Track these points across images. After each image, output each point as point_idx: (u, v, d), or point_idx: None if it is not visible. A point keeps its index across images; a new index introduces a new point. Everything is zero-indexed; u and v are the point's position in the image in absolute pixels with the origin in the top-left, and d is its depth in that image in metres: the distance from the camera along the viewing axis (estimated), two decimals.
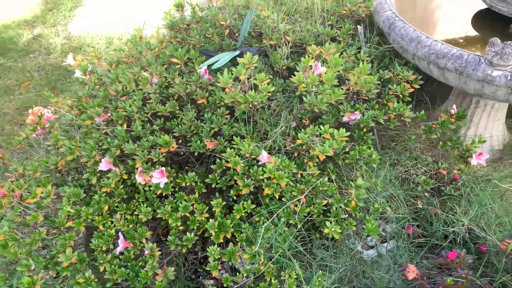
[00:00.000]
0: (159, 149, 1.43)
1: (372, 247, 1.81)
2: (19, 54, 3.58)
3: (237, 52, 1.59)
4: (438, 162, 1.86)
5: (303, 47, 1.68)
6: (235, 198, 1.50)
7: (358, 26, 1.84)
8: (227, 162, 1.44)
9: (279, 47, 1.67)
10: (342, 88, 1.30)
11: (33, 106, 2.57)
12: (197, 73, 1.67)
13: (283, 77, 1.66)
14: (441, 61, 1.54)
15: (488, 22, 1.94)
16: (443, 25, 1.97)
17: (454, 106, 1.57)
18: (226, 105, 1.55)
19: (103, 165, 1.43)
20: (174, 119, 1.57)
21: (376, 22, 1.85)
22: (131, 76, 1.65)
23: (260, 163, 1.36)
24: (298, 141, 1.35)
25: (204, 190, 1.54)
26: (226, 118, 1.55)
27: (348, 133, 1.34)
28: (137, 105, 1.56)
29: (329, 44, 1.68)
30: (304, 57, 1.63)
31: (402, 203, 1.71)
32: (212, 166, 1.50)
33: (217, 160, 1.49)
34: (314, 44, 1.63)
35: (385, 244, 1.72)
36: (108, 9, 4.11)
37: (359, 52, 1.77)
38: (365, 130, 1.56)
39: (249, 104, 1.30)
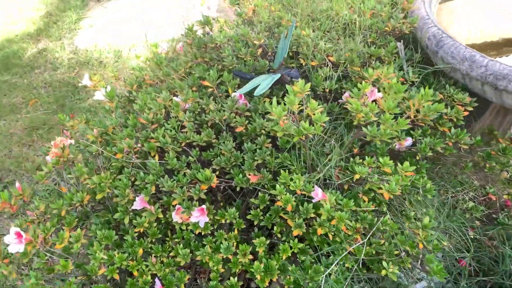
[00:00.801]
0: (199, 185, 1.30)
1: (420, 280, 1.68)
2: (24, 70, 3.43)
3: (278, 76, 1.46)
4: (485, 187, 1.74)
5: (346, 67, 1.56)
6: (279, 235, 1.37)
7: (398, 43, 1.72)
8: (270, 195, 1.32)
9: (320, 68, 1.55)
10: (405, 118, 1.18)
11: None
12: (231, 97, 1.54)
13: (327, 100, 1.53)
14: (501, 83, 1.42)
15: None
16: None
17: None
18: (268, 133, 1.43)
19: (138, 204, 1.29)
20: (211, 149, 1.44)
21: (419, 39, 1.73)
22: (162, 102, 1.52)
23: (314, 200, 1.23)
24: (356, 176, 1.22)
25: (243, 226, 1.41)
26: (268, 148, 1.42)
27: (414, 167, 1.21)
28: (170, 135, 1.43)
29: (374, 63, 1.57)
30: (350, 79, 1.52)
31: (456, 233, 1.58)
32: (254, 201, 1.37)
33: (260, 194, 1.36)
34: (360, 64, 1.51)
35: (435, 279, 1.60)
36: (113, 19, 3.98)
37: (401, 70, 1.66)
38: (418, 158, 1.44)
39: (302, 136, 1.17)
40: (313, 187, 1.24)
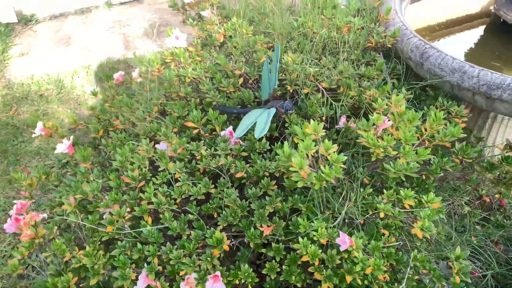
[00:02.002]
0: (211, 250, 1.14)
1: None
2: None
3: (273, 111, 1.34)
4: (477, 189, 1.75)
5: (336, 91, 1.47)
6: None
7: (378, 58, 1.66)
8: (286, 243, 1.20)
9: (313, 94, 1.45)
10: (422, 146, 1.11)
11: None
12: (221, 137, 1.40)
13: (324, 127, 1.44)
14: (495, 92, 1.40)
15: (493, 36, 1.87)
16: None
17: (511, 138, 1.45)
18: (272, 174, 1.31)
19: (141, 283, 1.12)
20: (210, 201, 1.29)
21: (400, 50, 1.69)
22: (145, 154, 1.34)
23: (341, 248, 1.13)
24: (381, 215, 1.14)
25: (257, 280, 1.28)
26: (272, 190, 1.30)
27: (440, 198, 1.15)
28: (162, 192, 1.26)
29: (365, 83, 1.49)
30: (342, 103, 1.44)
31: (463, 243, 1.57)
32: (269, 252, 1.24)
33: (274, 244, 1.23)
34: (356, 88, 1.43)
35: None
36: (47, 44, 3.62)
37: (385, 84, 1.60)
38: (424, 177, 1.39)
39: (323, 182, 1.06)
40: (336, 233, 1.14)
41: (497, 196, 1.71)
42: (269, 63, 1.47)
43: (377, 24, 1.69)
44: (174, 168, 1.31)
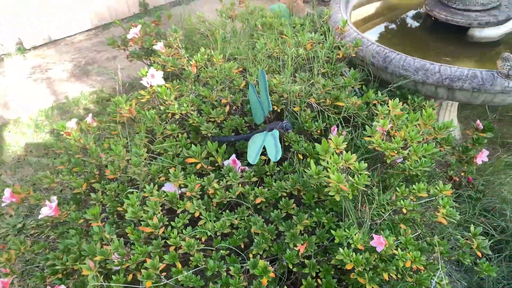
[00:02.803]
0: (259, 280, 1.14)
1: None
2: None
3: (277, 132, 1.37)
4: (447, 171, 1.95)
5: (321, 105, 1.55)
6: None
7: (346, 68, 1.79)
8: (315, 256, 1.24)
9: (304, 110, 1.51)
10: (430, 142, 1.23)
11: None
12: (226, 167, 1.40)
13: (315, 139, 1.51)
14: (456, 84, 1.59)
15: (433, 33, 2.12)
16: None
17: (479, 122, 1.64)
18: (289, 193, 1.34)
19: None
20: (235, 232, 1.27)
21: (361, 57, 1.83)
22: (157, 200, 1.28)
23: (378, 249, 1.19)
24: (404, 211, 1.23)
25: None
26: (294, 209, 1.33)
27: (450, 185, 1.27)
28: (188, 234, 1.22)
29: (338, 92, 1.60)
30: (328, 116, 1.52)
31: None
32: (304, 270, 1.26)
33: (307, 261, 1.26)
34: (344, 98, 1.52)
35: None
36: None
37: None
38: None
39: (355, 191, 1.12)
40: (369, 237, 1.20)
41: (463, 174, 1.92)
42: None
43: (334, 36, 1.81)
44: (192, 207, 1.28)
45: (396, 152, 1.19)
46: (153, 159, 1.53)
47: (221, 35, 2.20)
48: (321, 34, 1.91)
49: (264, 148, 1.33)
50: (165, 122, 1.64)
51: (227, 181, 1.35)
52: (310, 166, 1.15)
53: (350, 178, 1.12)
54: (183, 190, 1.32)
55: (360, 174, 1.14)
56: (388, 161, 1.22)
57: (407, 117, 1.24)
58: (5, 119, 3.10)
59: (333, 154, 1.12)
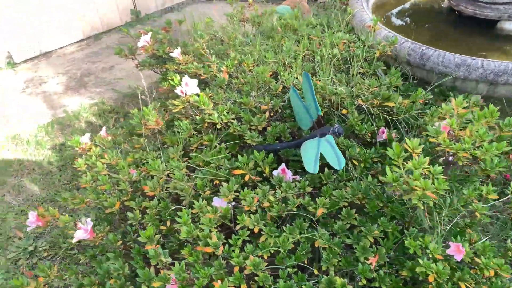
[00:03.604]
0: None
1: None
2: None
3: (331, 138, 1.29)
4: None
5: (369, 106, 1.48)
6: None
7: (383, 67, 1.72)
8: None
9: (352, 112, 1.44)
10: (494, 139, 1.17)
11: None
12: (276, 177, 1.31)
13: (369, 142, 1.44)
14: (501, 78, 1.55)
15: (460, 27, 2.09)
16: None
17: None
18: (351, 202, 1.26)
19: None
20: (298, 248, 1.19)
21: (393, 56, 1.77)
22: (212, 216, 1.18)
23: (458, 258, 1.12)
24: (478, 214, 1.16)
25: None
26: (356, 219, 1.24)
27: None
28: (250, 251, 1.13)
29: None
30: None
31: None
32: (373, 284, 1.18)
33: (376, 274, 1.18)
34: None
35: None
36: None
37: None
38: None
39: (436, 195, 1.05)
40: (444, 245, 1.13)
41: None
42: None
43: (367, 35, 1.75)
44: (251, 222, 1.18)
45: (468, 153, 1.13)
46: (191, 172, 1.43)
47: (237, 39, 2.12)
48: (345, 33, 1.85)
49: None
50: (199, 132, 1.54)
51: (281, 192, 1.26)
52: (376, 173, 1.08)
53: (428, 182, 1.05)
54: (233, 204, 1.22)
55: (437, 178, 1.07)
56: (461, 163, 1.15)
57: (482, 115, 1.18)
58: (2, 136, 2.93)
59: (410, 158, 1.04)
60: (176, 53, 2.00)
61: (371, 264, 1.14)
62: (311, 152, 1.26)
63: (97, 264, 1.40)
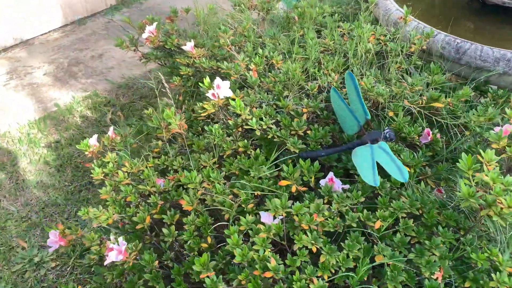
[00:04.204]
0: None
1: None
2: None
3: (385, 144, 1.21)
4: None
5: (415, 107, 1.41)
6: None
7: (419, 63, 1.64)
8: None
9: (397, 115, 1.36)
10: None
11: None
12: (324, 187, 1.23)
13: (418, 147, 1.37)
14: None
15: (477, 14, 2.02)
16: None
17: None
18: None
19: None
20: (358, 265, 1.12)
21: (427, 49, 1.69)
22: (265, 235, 1.09)
23: None
24: None
25: None
26: (414, 231, 1.18)
27: None
28: (311, 273, 1.05)
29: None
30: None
31: None
32: None
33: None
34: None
35: None
36: None
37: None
38: None
39: None
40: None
41: None
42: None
43: (392, 27, 1.66)
44: (308, 240, 1.10)
45: None
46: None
47: (253, 30, 1.99)
48: (372, 25, 1.75)
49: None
50: (230, 137, 1.43)
51: (336, 205, 1.18)
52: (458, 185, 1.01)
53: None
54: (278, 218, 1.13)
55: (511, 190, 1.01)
56: None
57: None
58: None
59: (487, 171, 0.98)
60: (189, 47, 1.86)
61: (437, 279, 1.08)
62: (366, 162, 1.18)
63: (131, 286, 1.30)
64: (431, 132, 1.38)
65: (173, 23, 2.21)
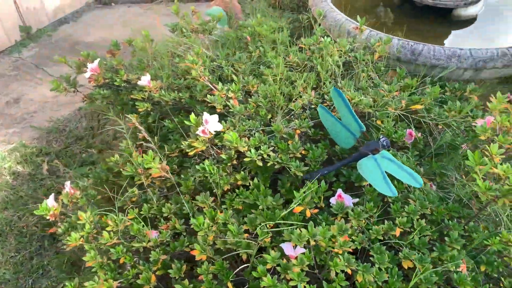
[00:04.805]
0: None
1: None
2: None
3: (387, 153, 1.24)
4: None
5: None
6: None
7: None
8: None
9: (386, 122, 1.40)
10: None
11: None
12: (336, 206, 1.22)
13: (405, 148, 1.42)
14: (489, 64, 1.66)
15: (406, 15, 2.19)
16: None
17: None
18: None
19: None
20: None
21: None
22: (299, 269, 1.05)
23: None
24: None
25: None
26: (428, 229, 1.22)
27: None
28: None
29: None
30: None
31: None
32: None
33: None
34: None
35: None
36: None
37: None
38: None
39: None
40: None
41: None
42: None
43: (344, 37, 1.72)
44: (342, 264, 1.08)
45: None
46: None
47: (207, 55, 1.93)
48: (322, 37, 1.80)
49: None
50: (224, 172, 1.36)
51: (356, 221, 1.17)
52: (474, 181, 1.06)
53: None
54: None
55: None
56: None
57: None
58: None
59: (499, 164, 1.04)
60: (145, 81, 1.75)
61: (462, 271, 1.13)
62: (375, 174, 1.19)
63: None
64: (413, 132, 1.44)
65: (115, 57, 2.06)
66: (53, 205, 1.53)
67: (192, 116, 1.28)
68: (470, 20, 2.09)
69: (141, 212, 1.42)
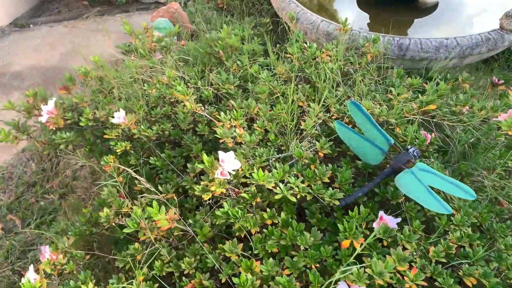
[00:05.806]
0: None
1: None
2: None
3: (424, 165, 1.15)
4: None
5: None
6: None
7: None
8: None
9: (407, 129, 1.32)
10: None
11: None
12: (377, 229, 1.13)
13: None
14: (476, 50, 1.65)
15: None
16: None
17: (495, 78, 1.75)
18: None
19: None
20: None
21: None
22: None
23: None
24: None
25: None
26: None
27: None
28: None
29: None
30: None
31: None
32: None
33: None
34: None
35: None
36: None
37: None
38: None
39: None
40: None
41: None
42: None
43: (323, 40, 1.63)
44: None
45: None
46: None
47: (176, 77, 1.73)
48: (304, 42, 1.69)
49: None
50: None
51: (411, 247, 1.08)
52: None
53: None
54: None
55: None
56: None
57: None
58: None
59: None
60: (120, 117, 1.53)
61: None
62: (418, 190, 1.10)
63: None
64: (427, 134, 1.38)
65: (70, 93, 1.78)
66: (34, 278, 1.29)
67: (205, 157, 1.10)
68: (435, 6, 2.10)
69: (154, 272, 1.22)
